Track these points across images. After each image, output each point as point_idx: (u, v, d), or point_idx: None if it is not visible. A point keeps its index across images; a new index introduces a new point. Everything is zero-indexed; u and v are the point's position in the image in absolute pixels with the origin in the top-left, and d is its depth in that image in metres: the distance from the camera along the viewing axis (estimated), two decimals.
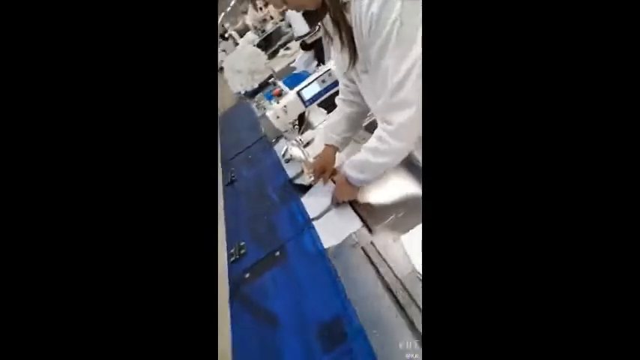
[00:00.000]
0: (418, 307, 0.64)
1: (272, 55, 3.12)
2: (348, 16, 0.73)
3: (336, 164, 1.09)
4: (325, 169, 1.06)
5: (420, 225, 0.76)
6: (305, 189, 1.12)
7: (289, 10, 0.83)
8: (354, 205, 0.95)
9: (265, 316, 0.80)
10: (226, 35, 4.24)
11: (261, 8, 3.92)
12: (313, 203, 1.04)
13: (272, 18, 3.85)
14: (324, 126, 1.12)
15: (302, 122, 1.42)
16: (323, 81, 1.19)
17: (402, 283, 0.69)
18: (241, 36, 3.85)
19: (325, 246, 0.88)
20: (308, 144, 1.40)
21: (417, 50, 0.66)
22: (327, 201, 1.00)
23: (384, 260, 0.75)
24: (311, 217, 1.00)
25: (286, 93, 1.26)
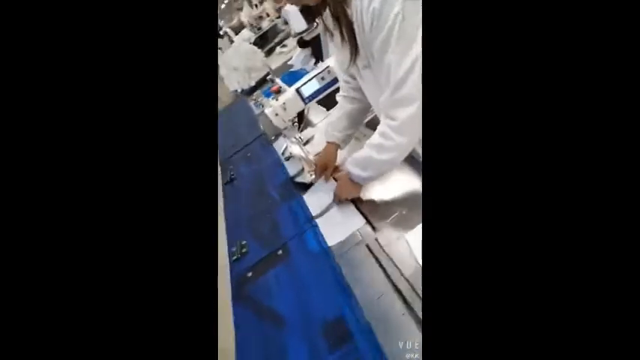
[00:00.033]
0: None
1: (268, 53, 3.10)
2: (348, 11, 0.72)
3: (338, 162, 1.08)
4: (327, 167, 1.05)
5: None
6: (306, 187, 1.11)
7: (286, 7, 0.82)
8: (356, 202, 0.94)
9: (269, 315, 0.80)
10: (221, 33, 4.21)
11: (256, 5, 3.90)
12: (315, 201, 1.03)
13: (268, 15, 3.83)
14: (325, 123, 1.11)
15: (301, 120, 1.40)
16: (322, 78, 1.18)
17: (408, 281, 0.68)
18: (236, 33, 3.82)
19: (329, 244, 0.87)
20: (307, 142, 1.39)
21: (419, 45, 0.65)
22: (328, 199, 0.99)
23: (390, 258, 0.74)
24: (313, 214, 0.99)
25: (285, 90, 1.25)
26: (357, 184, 0.92)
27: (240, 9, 4.22)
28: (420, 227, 0.76)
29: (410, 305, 0.65)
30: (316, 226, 0.94)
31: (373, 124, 1.10)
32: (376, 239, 0.81)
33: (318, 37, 1.96)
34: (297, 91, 1.17)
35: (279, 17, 3.56)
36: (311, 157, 1.20)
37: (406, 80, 0.67)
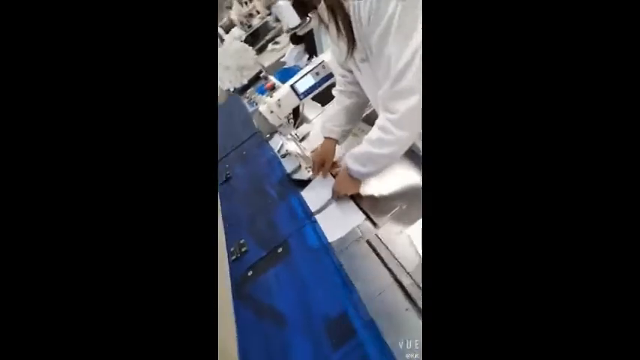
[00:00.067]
0: None
1: (260, 51, 3.07)
2: (345, 4, 0.70)
3: (335, 157, 1.07)
4: (325, 163, 1.04)
5: None
6: (304, 184, 1.10)
7: (277, 3, 0.80)
8: (355, 198, 0.93)
9: (271, 315, 0.79)
10: None
11: (246, 2, 3.85)
12: (313, 197, 1.02)
13: (258, 12, 3.79)
14: (323, 119, 1.09)
15: (297, 116, 1.39)
16: (317, 73, 1.16)
17: (410, 276, 0.68)
18: (227, 32, 3.78)
19: (329, 240, 0.86)
20: (303, 138, 1.37)
21: (419, 37, 0.64)
22: (327, 195, 0.98)
23: (391, 253, 0.74)
24: (312, 211, 0.98)
25: (279, 87, 1.23)
26: (356, 180, 0.91)
27: (230, 7, 4.17)
28: (420, 222, 0.76)
29: (413, 300, 0.64)
30: (315, 221, 0.93)
31: (370, 120, 1.09)
32: (377, 235, 0.80)
33: (311, 32, 1.95)
34: (292, 87, 1.15)
35: (269, 14, 3.52)
36: (307, 153, 1.18)
37: (406, 72, 0.66)
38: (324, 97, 1.41)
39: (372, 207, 0.89)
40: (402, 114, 0.71)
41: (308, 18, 1.23)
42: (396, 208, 0.84)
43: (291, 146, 1.29)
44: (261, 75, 2.30)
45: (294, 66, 2.10)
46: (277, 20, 3.19)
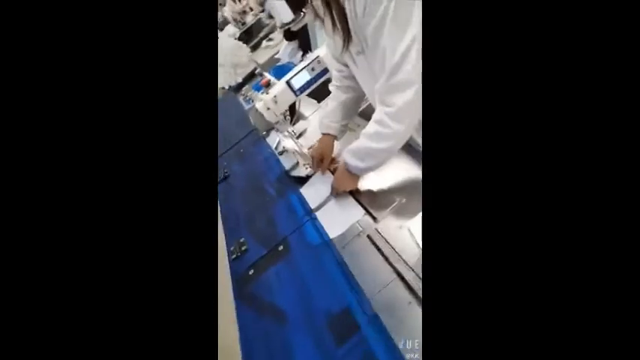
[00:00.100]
0: None
1: (254, 48, 3.05)
2: None
3: (334, 154, 1.06)
4: (323, 159, 1.04)
5: None
6: (302, 181, 1.09)
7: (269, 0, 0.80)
8: (354, 193, 0.93)
9: (273, 313, 0.78)
10: None
11: (239, 0, 3.83)
12: (312, 194, 1.02)
13: (251, 9, 3.77)
14: (319, 115, 1.09)
15: (293, 113, 1.39)
16: (312, 69, 1.15)
17: (413, 270, 0.67)
18: (220, 29, 3.76)
19: (330, 236, 0.86)
20: (300, 135, 1.37)
21: (414, 29, 0.64)
22: (326, 191, 0.98)
23: (392, 247, 0.73)
24: (311, 208, 0.97)
25: (275, 83, 1.23)
26: (355, 176, 0.90)
27: (223, 4, 4.15)
28: (420, 215, 0.76)
29: (416, 294, 0.64)
30: (315, 218, 0.93)
31: (366, 114, 1.08)
32: (377, 229, 0.80)
33: (304, 28, 1.94)
34: (288, 83, 1.14)
35: (262, 11, 3.50)
36: (305, 150, 1.18)
37: (402, 65, 0.66)
38: (320, 94, 1.40)
39: (372, 202, 0.89)
40: (398, 107, 0.71)
41: (302, 13, 1.22)
42: (396, 202, 0.84)
43: (289, 143, 1.28)
44: (256, 72, 2.29)
45: (289, 62, 2.09)
46: (270, 17, 3.18)
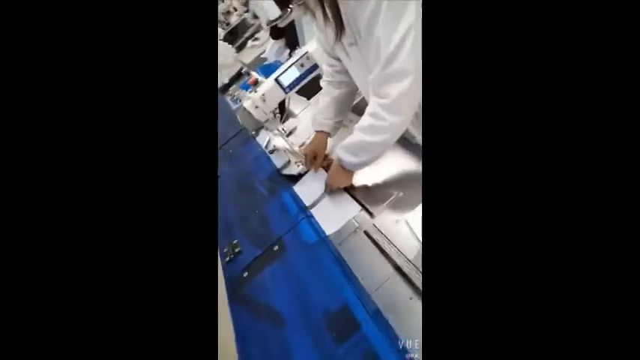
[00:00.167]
0: None
1: (240, 48, 3.02)
2: None
3: (327, 151, 1.04)
4: (316, 156, 1.01)
5: None
6: (294, 179, 1.07)
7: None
8: (349, 189, 0.91)
9: (270, 315, 0.76)
10: None
11: (222, 0, 3.78)
12: (306, 192, 1.00)
13: (235, 10, 3.73)
14: (313, 112, 1.06)
15: (283, 111, 1.36)
16: (301, 65, 1.13)
17: (412, 264, 0.66)
18: None
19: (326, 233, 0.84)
20: (290, 133, 1.35)
21: (409, 18, 0.62)
22: (320, 189, 0.96)
23: (391, 242, 0.72)
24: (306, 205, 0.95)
25: (263, 81, 1.20)
26: (349, 172, 0.88)
27: None
28: (419, 208, 0.74)
29: (417, 288, 0.62)
30: (311, 215, 0.91)
31: (359, 109, 1.07)
32: (374, 224, 0.79)
33: (291, 27, 1.91)
34: (277, 80, 1.12)
35: (247, 11, 3.47)
36: (296, 148, 1.16)
37: (397, 54, 0.64)
38: (309, 91, 1.38)
39: (367, 197, 0.87)
40: (393, 98, 0.69)
41: (289, 9, 1.20)
42: (392, 197, 0.82)
43: (279, 142, 1.26)
44: (243, 71, 2.26)
45: (275, 61, 2.06)
46: (255, 17, 3.14)
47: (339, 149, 0.85)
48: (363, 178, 0.92)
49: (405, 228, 0.74)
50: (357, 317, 0.64)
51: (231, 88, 2.11)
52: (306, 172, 1.06)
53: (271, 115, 1.20)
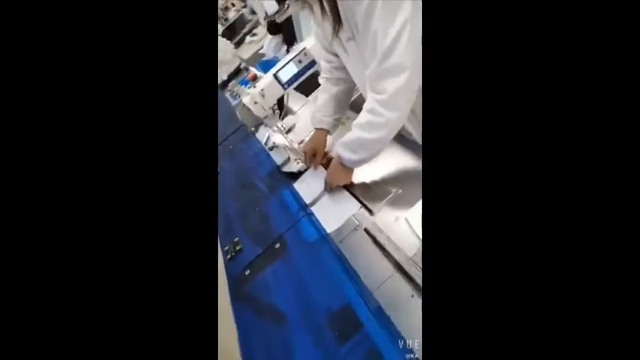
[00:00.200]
0: None
1: (238, 44, 3.00)
2: None
3: (326, 148, 1.04)
4: (316, 154, 1.01)
5: None
6: (294, 177, 1.07)
7: None
8: (348, 187, 0.91)
9: (272, 314, 0.76)
10: None
11: None
12: (305, 190, 1.00)
13: (233, 5, 3.70)
14: (312, 109, 1.05)
15: (282, 107, 1.35)
16: (299, 61, 1.12)
17: (413, 262, 0.66)
18: None
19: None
20: (289, 130, 1.34)
21: (405, 12, 0.62)
22: (319, 186, 0.95)
23: (391, 240, 0.72)
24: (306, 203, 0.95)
25: (261, 77, 1.19)
26: (349, 169, 0.88)
27: None
28: (419, 205, 0.74)
29: (418, 286, 0.62)
30: (311, 213, 0.90)
31: (357, 106, 1.06)
32: (374, 222, 0.78)
33: (289, 22, 1.90)
34: (275, 76, 1.11)
35: (244, 6, 3.44)
36: (295, 145, 1.15)
37: (394, 49, 0.64)
38: (307, 88, 1.37)
39: (366, 194, 0.87)
40: (390, 94, 0.69)
41: (286, 4, 1.19)
42: (391, 194, 0.82)
43: (279, 138, 1.25)
44: (242, 67, 2.24)
45: (273, 57, 2.05)
46: (253, 12, 3.12)
47: (338, 146, 0.85)
48: (362, 175, 0.91)
49: (404, 225, 0.73)
50: (359, 316, 0.64)
51: (230, 84, 2.10)
52: (305, 170, 1.06)
53: (270, 111, 1.19)
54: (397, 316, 0.61)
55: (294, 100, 1.46)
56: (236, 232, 1.03)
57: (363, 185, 0.90)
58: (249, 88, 1.18)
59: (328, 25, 0.73)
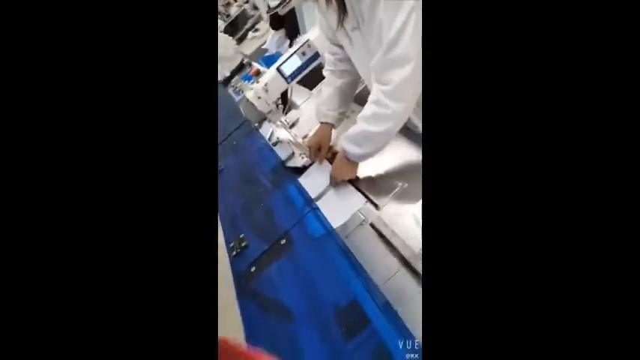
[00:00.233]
0: None
1: (240, 40, 2.99)
2: None
3: (331, 142, 1.02)
4: (321, 148, 1.00)
5: None
6: (299, 171, 1.06)
7: None
8: (354, 181, 0.90)
9: (278, 311, 0.75)
10: None
11: None
12: (310, 184, 0.99)
13: (235, 1, 3.68)
14: (316, 103, 1.04)
15: (285, 102, 1.34)
16: (303, 53, 1.10)
17: (420, 257, 0.65)
18: None
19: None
20: (293, 125, 1.33)
21: (410, 1, 0.60)
22: (325, 181, 0.94)
23: (397, 235, 0.71)
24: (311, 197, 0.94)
25: (265, 72, 1.18)
26: (354, 164, 0.87)
27: None
28: None
29: None
30: (317, 208, 0.89)
31: (361, 99, 1.05)
32: (380, 217, 0.77)
33: (291, 14, 1.88)
34: (279, 70, 1.10)
35: (246, 2, 3.43)
36: (299, 140, 1.14)
37: (399, 39, 0.63)
38: (311, 81, 1.36)
39: (372, 188, 0.86)
40: (395, 85, 0.67)
41: None
42: (397, 188, 0.81)
43: (282, 134, 1.24)
44: (245, 62, 2.23)
45: (276, 52, 2.04)
46: (255, 8, 3.10)
47: (343, 140, 0.83)
48: (367, 169, 0.90)
49: (410, 220, 0.72)
50: (366, 311, 0.63)
51: (233, 80, 2.09)
52: (310, 164, 1.05)
53: (274, 105, 1.18)
54: (405, 311, 0.60)
55: (298, 93, 1.45)
56: (241, 228, 1.03)
57: (369, 179, 0.89)
58: (252, 83, 1.17)
59: (333, 14, 0.72)
